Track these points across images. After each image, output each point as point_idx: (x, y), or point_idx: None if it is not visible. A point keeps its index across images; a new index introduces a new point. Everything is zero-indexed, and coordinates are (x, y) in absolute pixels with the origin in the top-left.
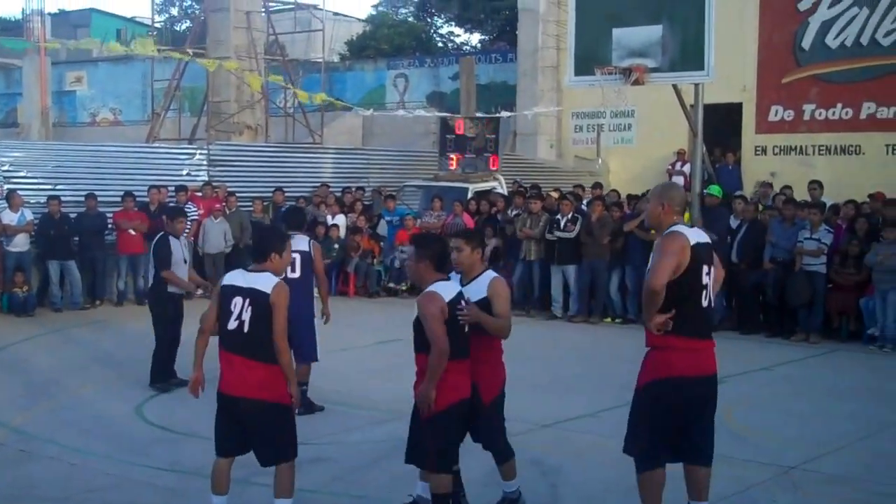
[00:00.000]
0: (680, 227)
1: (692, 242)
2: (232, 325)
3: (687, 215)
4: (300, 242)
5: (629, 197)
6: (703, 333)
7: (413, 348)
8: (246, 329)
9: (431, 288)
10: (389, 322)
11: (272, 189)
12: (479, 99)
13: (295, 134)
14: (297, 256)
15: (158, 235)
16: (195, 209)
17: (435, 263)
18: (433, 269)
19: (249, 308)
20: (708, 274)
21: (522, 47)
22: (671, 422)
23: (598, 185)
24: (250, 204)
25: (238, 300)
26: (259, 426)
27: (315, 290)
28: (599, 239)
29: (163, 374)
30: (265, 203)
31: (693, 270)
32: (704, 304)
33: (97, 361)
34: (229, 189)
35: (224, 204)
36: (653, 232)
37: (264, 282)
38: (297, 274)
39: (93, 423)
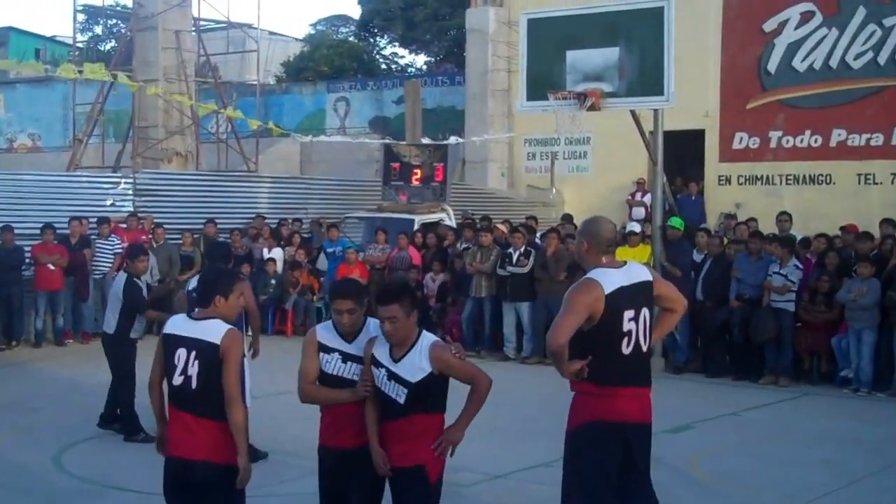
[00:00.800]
0: (598, 273)
1: (609, 290)
2: (177, 380)
3: (647, 250)
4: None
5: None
6: (626, 381)
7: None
8: (193, 385)
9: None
10: None
11: (203, 221)
12: (426, 124)
13: (228, 161)
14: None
15: (124, 278)
16: (119, 242)
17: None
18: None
19: (196, 361)
20: (634, 319)
21: (471, 69)
22: (605, 466)
23: (568, 218)
24: (179, 236)
25: (182, 352)
26: (211, 492)
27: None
28: (555, 274)
29: (135, 424)
30: (195, 236)
31: (607, 322)
32: (626, 350)
33: (12, 408)
34: (156, 220)
35: (150, 236)
36: None
37: (211, 330)
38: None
39: (7, 475)
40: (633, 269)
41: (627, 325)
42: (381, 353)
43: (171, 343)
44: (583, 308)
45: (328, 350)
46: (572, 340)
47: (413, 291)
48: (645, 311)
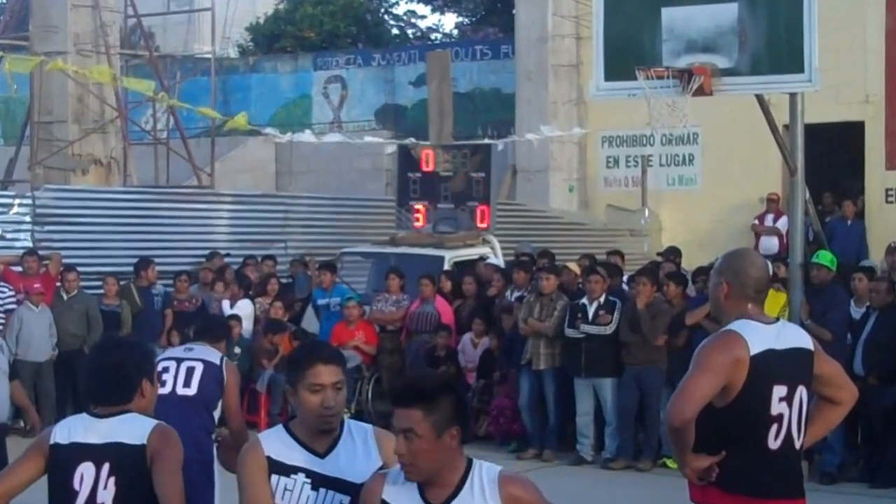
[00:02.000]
0: (742, 326)
1: (756, 350)
2: None
3: (781, 299)
4: (207, 353)
5: (697, 272)
6: (771, 490)
7: None
8: None
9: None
10: None
11: (134, 260)
12: (459, 116)
13: (171, 172)
14: (199, 366)
15: None
16: (10, 292)
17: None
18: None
19: (112, 478)
20: (787, 400)
21: (523, 35)
22: None
23: (671, 252)
24: (100, 283)
25: (88, 469)
26: None
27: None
28: (651, 337)
29: None
30: (123, 282)
31: (750, 397)
32: (774, 444)
33: None
34: (66, 261)
35: (60, 283)
36: None
37: (131, 429)
38: (191, 390)
39: None
40: (787, 329)
41: (777, 408)
42: (406, 498)
43: (70, 458)
44: (720, 370)
45: (286, 470)
46: (698, 422)
47: (457, 392)
48: (802, 391)
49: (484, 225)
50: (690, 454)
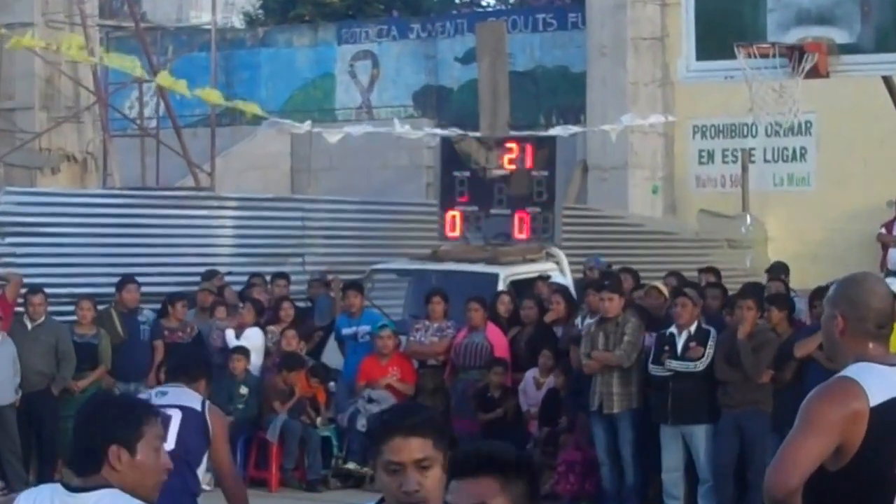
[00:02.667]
0: (859, 371)
1: (877, 400)
2: None
3: None
4: (185, 396)
5: (816, 294)
6: None
7: None
8: None
9: None
10: None
11: (115, 279)
12: (517, 101)
13: (161, 171)
14: (176, 414)
15: None
16: None
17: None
18: None
19: None
20: None
21: (596, 1)
22: None
23: (778, 269)
24: (72, 308)
25: None
26: None
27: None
28: (753, 373)
29: None
30: (101, 307)
31: (871, 458)
32: None
33: None
34: (30, 281)
35: (23, 309)
36: None
37: None
38: (167, 444)
39: None
40: None
41: None
42: None
43: None
44: (833, 428)
45: None
46: (806, 490)
47: (536, 470)
48: None
49: (547, 236)
50: None
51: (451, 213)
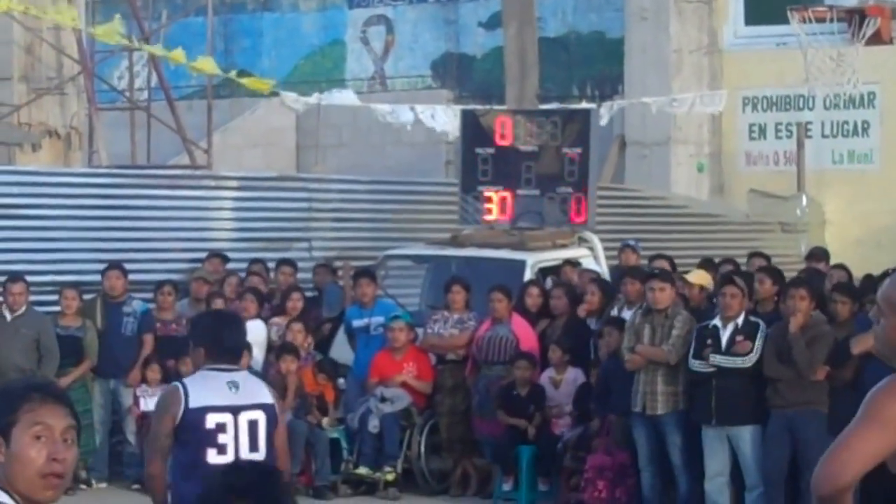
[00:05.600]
0: None
1: None
2: None
3: None
4: (257, 389)
5: (866, 281)
6: None
7: None
8: None
9: None
10: None
11: (102, 266)
12: (546, 70)
13: (153, 148)
14: (261, 417)
15: None
16: None
17: None
18: None
19: None
20: None
21: None
22: None
23: (818, 254)
24: (56, 298)
25: None
26: None
27: None
28: (806, 370)
29: None
30: (87, 297)
31: None
32: None
33: None
34: (9, 267)
35: (10, 297)
36: None
37: None
38: (259, 454)
39: None
40: None
41: None
42: None
43: None
44: (890, 423)
45: None
46: (865, 489)
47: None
48: None
49: (581, 218)
50: None
51: (488, 194)
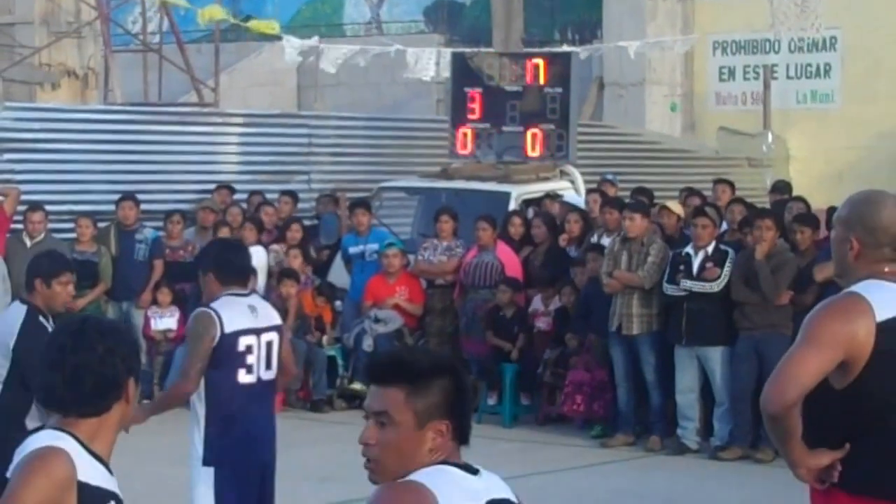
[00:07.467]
0: (868, 287)
1: (884, 316)
2: None
3: None
4: (268, 311)
5: (830, 212)
6: None
7: None
8: None
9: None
10: (348, 462)
11: (116, 196)
12: (531, 15)
13: (164, 87)
14: (275, 338)
15: (21, 315)
16: None
17: None
18: None
19: None
20: None
21: None
22: None
23: (781, 188)
24: (71, 225)
25: None
26: None
27: None
28: (771, 294)
29: None
30: (101, 224)
31: (877, 375)
32: None
33: None
34: (30, 197)
35: (23, 225)
36: None
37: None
38: (272, 372)
39: None
40: None
41: None
42: None
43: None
44: (836, 343)
45: None
46: (810, 407)
47: (457, 377)
48: None
49: (562, 154)
50: (803, 450)
51: (462, 129)
